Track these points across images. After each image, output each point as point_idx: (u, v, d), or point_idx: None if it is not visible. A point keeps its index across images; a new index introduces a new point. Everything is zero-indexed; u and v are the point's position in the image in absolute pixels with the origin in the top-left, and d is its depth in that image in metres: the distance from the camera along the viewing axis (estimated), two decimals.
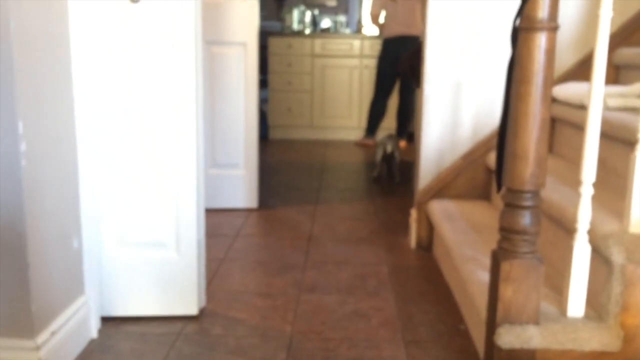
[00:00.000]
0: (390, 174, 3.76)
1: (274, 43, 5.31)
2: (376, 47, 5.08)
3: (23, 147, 1.27)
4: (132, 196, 1.67)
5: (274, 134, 5.43)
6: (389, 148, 3.63)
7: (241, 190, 2.97)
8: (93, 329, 1.63)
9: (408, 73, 3.36)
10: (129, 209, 1.68)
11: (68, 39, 1.48)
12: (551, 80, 1.27)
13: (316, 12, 6.02)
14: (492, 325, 1.33)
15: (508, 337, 1.29)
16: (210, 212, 2.83)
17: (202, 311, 1.81)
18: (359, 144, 5.03)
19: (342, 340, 1.65)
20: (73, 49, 1.50)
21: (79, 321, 1.54)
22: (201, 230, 1.80)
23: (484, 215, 2.18)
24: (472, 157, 2.39)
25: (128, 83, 1.62)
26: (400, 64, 4.46)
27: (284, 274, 2.13)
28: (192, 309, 1.76)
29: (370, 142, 4.94)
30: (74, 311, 1.52)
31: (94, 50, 1.58)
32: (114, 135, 1.64)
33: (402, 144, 5.06)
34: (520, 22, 1.26)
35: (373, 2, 4.56)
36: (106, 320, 1.70)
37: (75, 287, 1.55)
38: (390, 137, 3.74)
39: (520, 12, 1.26)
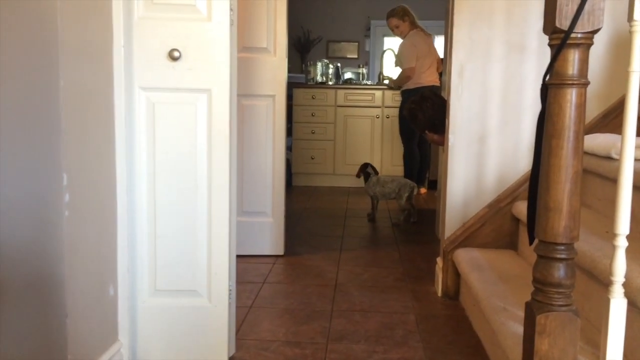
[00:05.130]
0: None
1: (299, 94, 5.45)
2: (397, 98, 5.18)
3: (67, 198, 1.33)
4: (166, 244, 1.71)
5: (297, 181, 5.50)
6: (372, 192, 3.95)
7: (268, 237, 3.00)
8: None
9: (408, 118, 3.43)
10: (163, 257, 1.71)
11: (112, 95, 1.56)
12: (582, 134, 1.30)
13: (339, 64, 6.18)
14: None
15: None
16: (238, 259, 2.84)
17: (231, 359, 1.81)
18: None
19: None
20: (117, 105, 1.58)
21: None
22: (232, 278, 1.82)
23: (512, 265, 2.18)
24: (498, 206, 2.41)
25: (166, 136, 1.68)
26: (400, 104, 4.57)
27: (312, 322, 2.13)
28: (222, 357, 1.77)
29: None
30: (108, 358, 1.54)
31: (135, 105, 1.66)
32: (151, 185, 1.69)
33: (423, 191, 5.11)
34: (550, 78, 1.30)
35: (409, 58, 4.66)
36: None
37: (110, 334, 1.58)
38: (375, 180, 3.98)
39: (550, 69, 1.30)
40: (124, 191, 1.61)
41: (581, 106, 1.28)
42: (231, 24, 1.69)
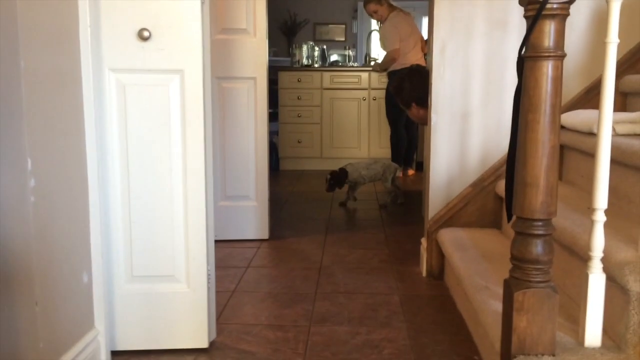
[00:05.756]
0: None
1: (284, 77, 5.39)
2: (384, 80, 5.14)
3: (32, 183, 1.29)
4: (141, 230, 1.68)
5: (285, 165, 5.46)
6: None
7: (252, 221, 2.97)
8: None
9: (394, 92, 3.40)
10: (139, 242, 1.68)
11: (80, 77, 1.51)
12: (559, 108, 1.27)
13: (324, 46, 6.12)
14: (506, 357, 1.30)
15: None
16: (222, 244, 2.83)
17: (212, 344, 1.79)
18: None
19: None
20: (85, 87, 1.53)
21: (88, 356, 1.53)
22: (211, 262, 1.80)
23: (495, 244, 2.16)
24: (481, 185, 2.39)
25: (139, 119, 1.64)
26: (387, 86, 4.52)
27: (295, 305, 2.11)
28: (202, 342, 1.75)
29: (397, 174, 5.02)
30: (84, 346, 1.51)
31: (105, 87, 1.62)
32: (124, 170, 1.66)
33: (411, 172, 5.09)
34: (526, 51, 1.27)
35: (392, 40, 4.61)
36: (116, 355, 1.69)
37: (85, 321, 1.55)
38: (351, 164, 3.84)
39: (526, 41, 1.27)
40: (95, 176, 1.57)
41: (557, 79, 1.25)
42: (203, 2, 1.65)
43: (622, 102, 2.25)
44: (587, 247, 1.31)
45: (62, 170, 1.43)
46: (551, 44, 1.23)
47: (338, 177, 3.76)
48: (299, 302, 2.14)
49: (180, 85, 1.65)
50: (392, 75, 4.72)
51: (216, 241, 2.81)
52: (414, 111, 3.32)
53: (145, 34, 1.61)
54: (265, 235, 2.99)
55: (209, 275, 1.76)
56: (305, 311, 2.06)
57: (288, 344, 1.80)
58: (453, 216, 2.42)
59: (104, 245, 1.63)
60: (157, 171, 1.66)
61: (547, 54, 1.23)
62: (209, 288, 1.75)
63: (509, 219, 1.37)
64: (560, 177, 2.18)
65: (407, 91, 3.28)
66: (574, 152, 2.10)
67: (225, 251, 2.76)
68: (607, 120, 1.28)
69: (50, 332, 1.36)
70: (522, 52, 1.29)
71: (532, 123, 1.26)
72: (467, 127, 2.40)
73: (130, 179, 1.66)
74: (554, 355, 1.28)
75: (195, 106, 1.66)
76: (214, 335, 1.83)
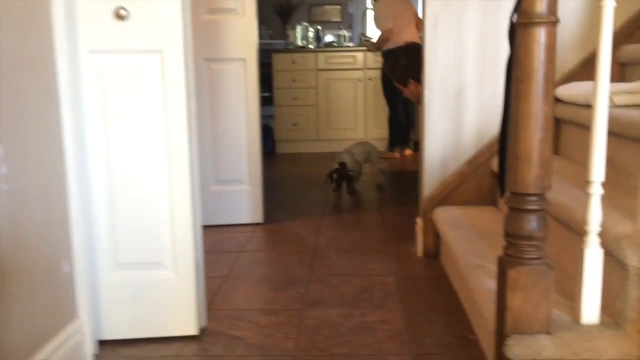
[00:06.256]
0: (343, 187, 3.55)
1: (278, 59, 5.31)
2: (379, 59, 5.05)
3: (4, 170, 1.23)
4: (125, 216, 1.63)
5: (281, 148, 5.40)
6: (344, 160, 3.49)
7: (246, 205, 2.93)
8: (88, 355, 1.57)
9: (389, 72, 3.33)
10: (123, 229, 1.63)
11: (54, 59, 1.45)
12: (552, 77, 1.21)
13: (319, 27, 6.02)
14: (501, 336, 1.26)
15: (518, 349, 1.22)
16: (215, 229, 2.79)
17: (202, 331, 1.75)
18: (384, 157, 5.01)
19: (347, 356, 1.58)
20: (60, 70, 1.47)
21: (71, 347, 1.49)
22: (199, 248, 1.75)
23: (491, 221, 2.11)
24: (477, 162, 2.33)
25: (118, 101, 1.59)
26: (382, 65, 4.44)
27: (288, 289, 2.07)
28: (191, 329, 1.71)
29: (395, 154, 4.96)
30: (66, 337, 1.47)
31: (82, 69, 1.56)
32: (104, 155, 1.60)
33: (408, 152, 5.03)
34: (518, 18, 1.20)
35: (385, 19, 4.52)
36: (103, 344, 1.65)
37: (66, 312, 1.50)
38: (348, 150, 3.60)
39: (517, 7, 1.21)
40: (73, 162, 1.51)
41: (551, 47, 1.19)
42: None
43: (621, 73, 2.18)
44: (584, 221, 1.26)
45: (37, 156, 1.37)
46: (544, 8, 1.17)
47: (342, 172, 3.46)
48: (293, 286, 2.10)
49: (161, 66, 1.59)
50: (387, 54, 4.64)
51: (209, 226, 2.80)
52: (411, 88, 3.26)
53: (123, 12, 1.55)
54: (260, 219, 2.95)
55: (197, 261, 1.71)
56: (298, 295, 2.02)
57: (280, 328, 1.76)
58: (448, 194, 2.36)
59: (86, 233, 1.58)
60: (140, 155, 1.61)
61: (539, 20, 1.17)
62: (197, 274, 1.71)
63: (502, 193, 1.32)
64: (557, 152, 2.13)
65: (403, 68, 3.21)
66: (571, 126, 2.04)
67: (219, 236, 2.71)
68: (603, 85, 1.22)
69: (28, 324, 1.32)
70: (513, 19, 1.23)
71: (524, 93, 1.20)
72: (461, 103, 2.34)
73: (112, 164, 1.61)
74: (549, 333, 1.23)
75: (177, 87, 1.60)
76: (204, 322, 1.79)
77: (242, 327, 1.78)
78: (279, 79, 5.33)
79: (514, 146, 1.23)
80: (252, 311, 1.90)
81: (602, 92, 1.22)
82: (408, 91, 3.37)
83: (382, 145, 5.07)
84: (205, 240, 1.83)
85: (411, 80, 3.20)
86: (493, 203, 2.33)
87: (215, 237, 2.69)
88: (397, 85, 3.78)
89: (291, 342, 1.67)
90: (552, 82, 1.21)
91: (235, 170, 2.90)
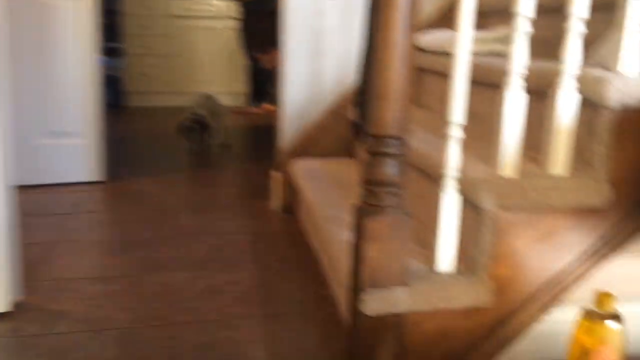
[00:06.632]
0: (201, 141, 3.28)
1: (129, 2, 4.78)
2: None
3: None
4: None
5: (132, 101, 4.93)
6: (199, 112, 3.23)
7: (81, 161, 2.56)
8: None
9: (247, 46, 3.09)
10: None
11: None
12: (415, 8, 1.09)
13: None
14: (356, 291, 1.15)
15: (373, 303, 1.12)
16: (43, 188, 2.42)
17: (17, 306, 1.46)
18: (242, 113, 4.73)
19: (190, 324, 1.40)
20: None
21: None
22: (12, 212, 1.43)
23: (350, 173, 2.02)
24: (338, 112, 2.22)
25: None
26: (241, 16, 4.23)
27: (126, 254, 1.82)
28: (0, 306, 1.41)
29: (256, 109, 4.73)
30: None
31: None
32: None
33: (267, 107, 4.84)
34: None
35: None
36: None
37: None
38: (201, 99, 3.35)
39: None
40: None
41: None
42: None
43: (483, 24, 2.17)
44: (441, 165, 1.18)
45: None
46: None
47: (202, 122, 3.18)
48: (133, 250, 1.85)
49: None
50: (245, 5, 4.38)
51: (35, 186, 2.42)
52: (272, 57, 3.03)
53: None
54: (100, 177, 2.60)
55: (9, 227, 1.40)
56: (138, 259, 1.78)
57: (113, 298, 1.52)
58: (308, 146, 2.24)
59: None
60: None
61: None
62: (7, 242, 1.40)
63: (354, 136, 1.19)
64: (417, 102, 2.08)
65: (263, 32, 2.96)
66: (429, 74, 2.00)
67: (46, 197, 2.34)
68: (465, 26, 1.13)
69: None
70: None
71: (385, 22, 1.07)
72: (321, 47, 2.20)
73: None
74: (406, 285, 1.15)
75: None
76: (20, 296, 1.49)
77: (67, 299, 1.52)
78: (130, 25, 4.81)
79: (375, 84, 1.10)
80: (81, 280, 1.63)
81: (464, 33, 1.13)
82: (268, 59, 3.13)
83: (241, 100, 4.85)
84: (29, 202, 1.52)
85: (272, 51, 2.96)
86: (354, 154, 2.25)
87: (42, 197, 2.32)
88: (256, 55, 3.52)
89: (125, 314, 1.44)
90: (414, 12, 1.09)
91: (69, 122, 2.51)
